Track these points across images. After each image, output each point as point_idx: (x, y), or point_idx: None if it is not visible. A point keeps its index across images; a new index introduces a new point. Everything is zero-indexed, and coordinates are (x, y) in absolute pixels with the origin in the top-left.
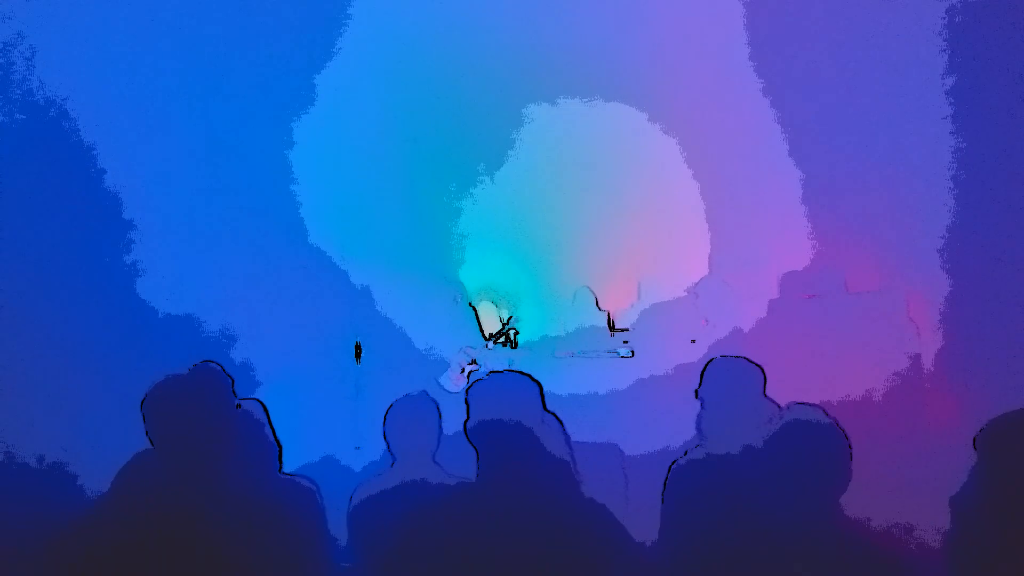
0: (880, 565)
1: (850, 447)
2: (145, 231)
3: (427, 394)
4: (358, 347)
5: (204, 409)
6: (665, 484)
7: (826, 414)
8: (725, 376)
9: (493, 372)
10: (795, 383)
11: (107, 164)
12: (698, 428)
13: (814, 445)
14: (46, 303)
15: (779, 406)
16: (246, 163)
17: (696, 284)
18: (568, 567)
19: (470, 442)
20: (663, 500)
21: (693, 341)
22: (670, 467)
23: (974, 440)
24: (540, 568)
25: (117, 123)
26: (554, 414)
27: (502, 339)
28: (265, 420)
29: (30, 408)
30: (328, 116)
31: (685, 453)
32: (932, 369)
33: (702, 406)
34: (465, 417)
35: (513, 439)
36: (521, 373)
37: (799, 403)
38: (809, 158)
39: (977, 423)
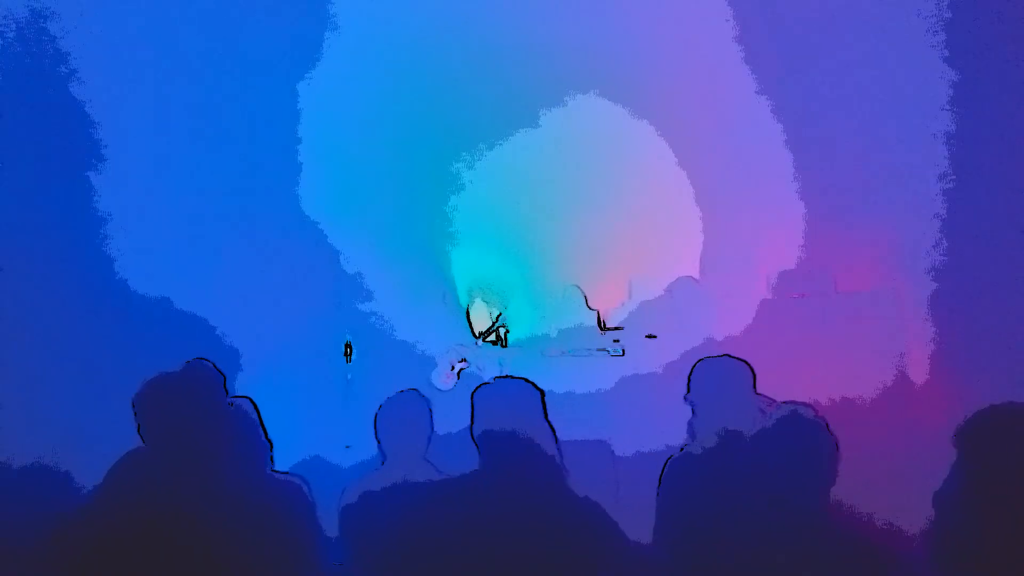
0: (868, 558)
1: (837, 445)
2: (137, 228)
3: (418, 392)
4: (348, 345)
5: (196, 406)
6: (660, 480)
7: (815, 413)
8: (713, 377)
9: (499, 377)
10: (784, 382)
11: (96, 159)
12: (691, 433)
13: (802, 443)
14: (37, 300)
15: (772, 400)
16: (237, 160)
17: (671, 284)
18: (560, 564)
19: (474, 442)
20: (658, 496)
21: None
22: (666, 463)
23: (954, 436)
24: (532, 565)
25: (107, 116)
26: (549, 423)
27: (492, 337)
28: (256, 418)
29: (21, 405)
30: (320, 113)
31: (681, 449)
32: (919, 368)
33: (693, 412)
34: (470, 418)
35: (515, 443)
36: (526, 380)
37: (789, 402)
38: (800, 158)
39: (961, 420)
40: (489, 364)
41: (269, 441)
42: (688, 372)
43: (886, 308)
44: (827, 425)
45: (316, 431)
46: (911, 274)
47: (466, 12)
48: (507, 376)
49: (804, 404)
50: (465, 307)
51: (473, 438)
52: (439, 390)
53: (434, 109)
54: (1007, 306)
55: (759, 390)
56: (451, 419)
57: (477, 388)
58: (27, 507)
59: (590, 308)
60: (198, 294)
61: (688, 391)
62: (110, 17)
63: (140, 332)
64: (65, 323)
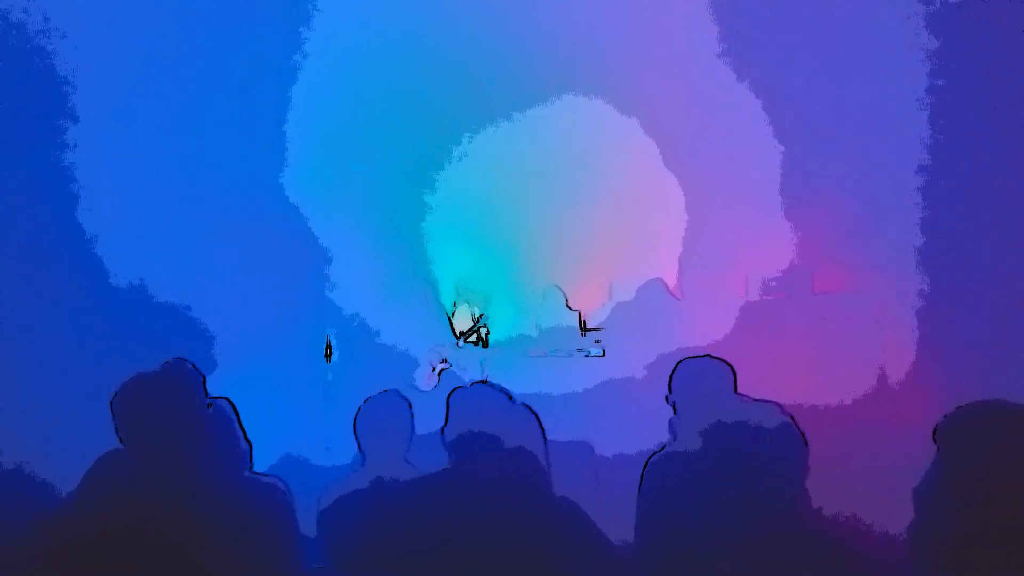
0: (847, 555)
1: (805, 440)
2: (115, 227)
3: (398, 393)
4: (329, 345)
5: (175, 407)
6: (641, 480)
7: (781, 409)
8: (694, 377)
9: (476, 383)
10: (764, 383)
11: (73, 155)
12: (672, 432)
13: (771, 441)
14: (11, 299)
15: (752, 400)
16: (218, 160)
17: (640, 287)
18: (540, 565)
19: (444, 445)
20: (639, 496)
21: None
22: (646, 463)
23: (933, 433)
24: (512, 567)
25: (84, 112)
26: (530, 408)
27: (473, 337)
28: (235, 419)
29: None
30: (300, 113)
31: (661, 448)
32: (899, 366)
33: (675, 411)
34: (444, 421)
35: (490, 445)
36: (500, 389)
37: (756, 400)
38: (780, 158)
39: (940, 417)
40: (470, 365)
41: (248, 442)
42: (669, 372)
43: (865, 308)
44: (793, 420)
45: (296, 432)
46: (891, 274)
47: (449, 10)
48: (484, 382)
49: (769, 402)
50: (448, 310)
51: (444, 441)
52: (420, 391)
53: (416, 110)
54: (986, 305)
55: (740, 390)
56: (432, 420)
57: (452, 391)
58: (2, 510)
59: (571, 309)
60: (176, 294)
61: (669, 391)
62: (93, 5)
63: (118, 332)
64: (41, 323)
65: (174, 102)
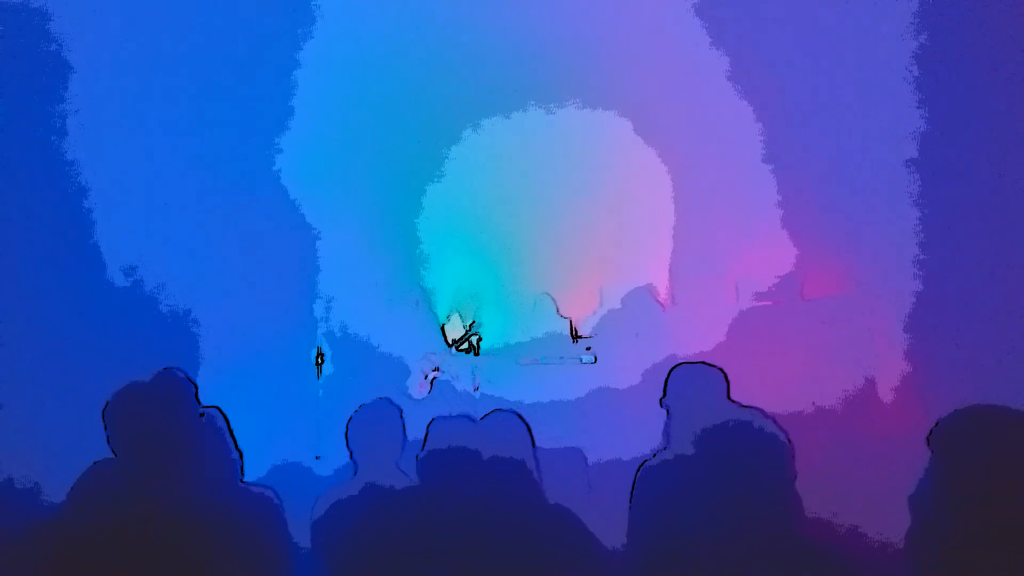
0: (843, 562)
1: (791, 445)
2: (109, 233)
3: (390, 401)
4: (320, 354)
5: (167, 417)
6: (633, 486)
7: (774, 417)
8: (688, 382)
9: (462, 415)
10: (756, 389)
11: (70, 156)
12: (666, 437)
13: (763, 447)
14: (5, 307)
15: (746, 406)
16: (211, 166)
17: (630, 295)
18: (535, 573)
19: (419, 469)
20: (631, 502)
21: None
22: (638, 469)
23: (927, 438)
24: (506, 574)
25: (77, 115)
26: (520, 416)
27: (465, 345)
28: (226, 428)
29: None
30: (294, 119)
31: (655, 455)
32: (890, 372)
33: (668, 415)
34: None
35: (478, 457)
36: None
37: (748, 406)
38: (771, 165)
39: (933, 422)
40: (462, 372)
41: (239, 451)
42: (661, 379)
43: (857, 313)
44: (777, 425)
45: (287, 441)
46: (882, 279)
47: (444, 16)
48: (476, 388)
49: (761, 408)
50: (443, 318)
51: (419, 465)
52: (412, 398)
53: (407, 117)
54: (978, 309)
55: (732, 396)
56: (424, 428)
57: (431, 422)
58: None
59: (562, 316)
60: (168, 302)
61: (664, 395)
62: (94, 4)
63: (110, 340)
64: (33, 331)
65: (169, 105)
